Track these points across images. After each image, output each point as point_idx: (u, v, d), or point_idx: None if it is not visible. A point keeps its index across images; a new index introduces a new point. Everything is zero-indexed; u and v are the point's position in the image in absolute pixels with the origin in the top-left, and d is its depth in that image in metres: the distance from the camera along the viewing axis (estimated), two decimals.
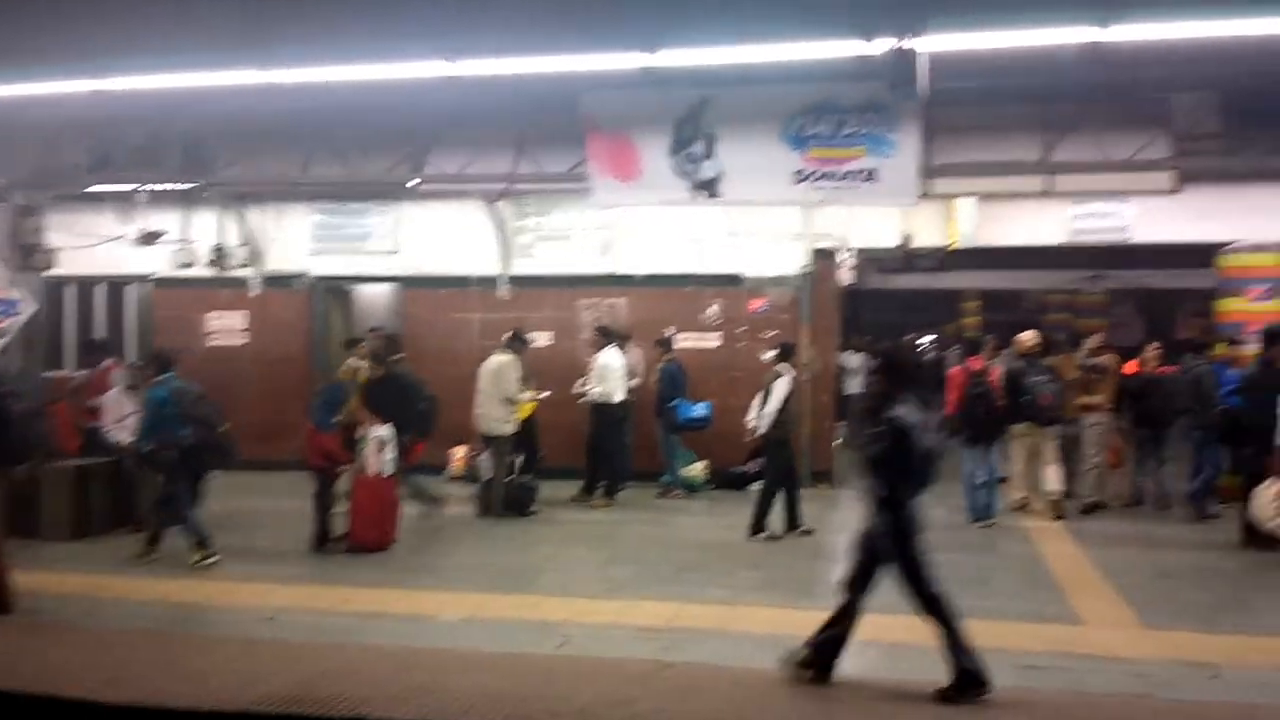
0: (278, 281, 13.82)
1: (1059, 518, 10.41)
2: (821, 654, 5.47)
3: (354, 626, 6.86)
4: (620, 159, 11.14)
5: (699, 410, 11.77)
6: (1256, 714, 5.19)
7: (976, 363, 10.50)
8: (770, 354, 12.29)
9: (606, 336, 11.49)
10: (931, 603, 5.34)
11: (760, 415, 9.70)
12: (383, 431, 9.46)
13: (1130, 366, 11.21)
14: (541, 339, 12.49)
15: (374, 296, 14.91)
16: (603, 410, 11.22)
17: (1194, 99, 11.14)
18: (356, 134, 12.19)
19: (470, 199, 12.76)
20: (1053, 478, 10.58)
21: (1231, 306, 11.82)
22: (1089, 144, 11.03)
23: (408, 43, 9.00)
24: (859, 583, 5.54)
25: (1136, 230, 11.87)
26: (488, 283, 13.14)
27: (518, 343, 11.11)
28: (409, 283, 13.49)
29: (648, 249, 12.81)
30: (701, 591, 7.60)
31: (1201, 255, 12.67)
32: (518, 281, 13.09)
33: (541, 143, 12.02)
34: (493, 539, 9.65)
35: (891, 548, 5.41)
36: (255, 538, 9.56)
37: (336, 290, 14.31)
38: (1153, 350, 11.09)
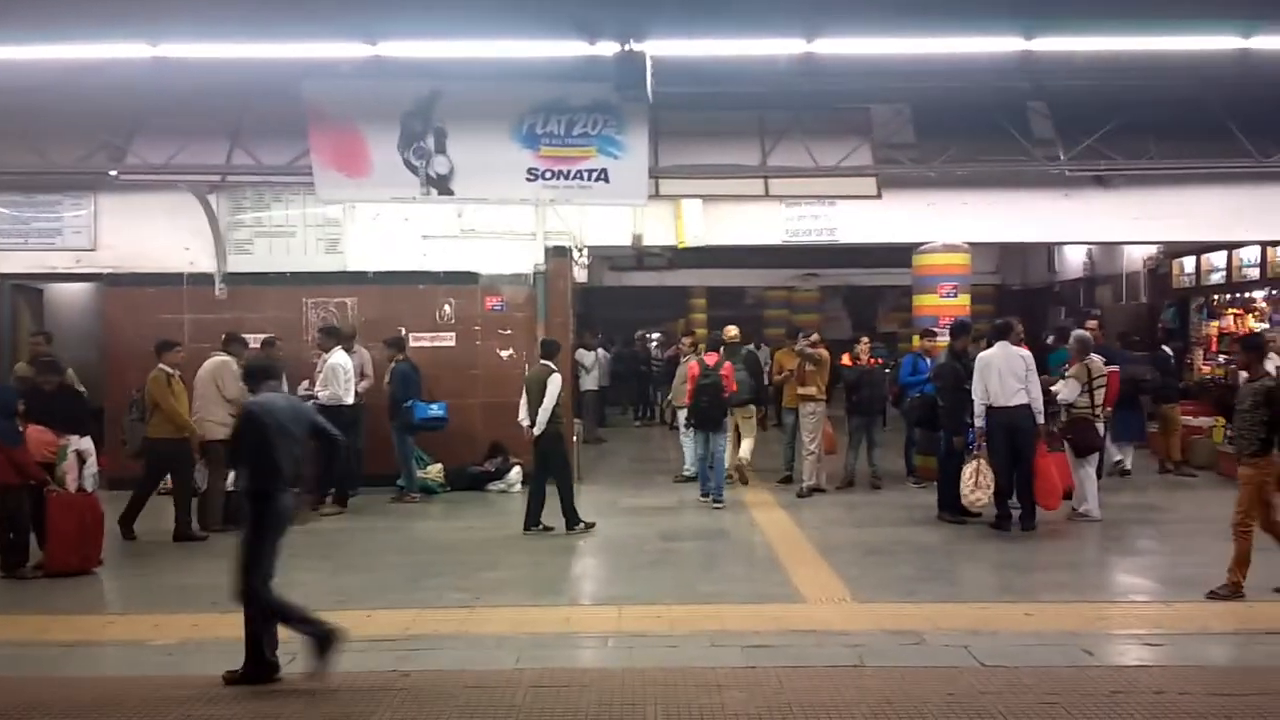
0: None
1: (744, 482, 11.88)
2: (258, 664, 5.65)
3: (54, 658, 6.24)
4: (346, 152, 10.72)
5: (435, 410, 11.56)
6: (955, 674, 5.68)
7: (711, 357, 11.12)
8: (508, 352, 12.39)
9: (333, 337, 11.05)
10: (253, 597, 5.58)
11: (539, 413, 9.57)
12: (83, 444, 8.66)
13: (844, 359, 12.06)
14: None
15: (69, 297, 13.62)
16: (331, 414, 10.74)
17: (890, 111, 12.13)
18: (46, 118, 11.03)
19: (179, 191, 11.89)
20: (744, 450, 11.97)
21: (925, 302, 12.93)
22: (801, 150, 11.75)
23: (106, 21, 8.26)
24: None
25: (844, 231, 12.76)
26: (200, 281, 12.30)
27: (237, 345, 10.49)
28: (110, 281, 12.39)
29: (378, 246, 12.43)
30: (439, 597, 7.46)
31: (900, 255, 13.80)
32: (235, 279, 12.33)
33: (259, 133, 11.37)
34: (210, 554, 9.01)
35: (247, 533, 5.65)
36: None
37: (25, 290, 12.94)
38: (864, 344, 12.02)
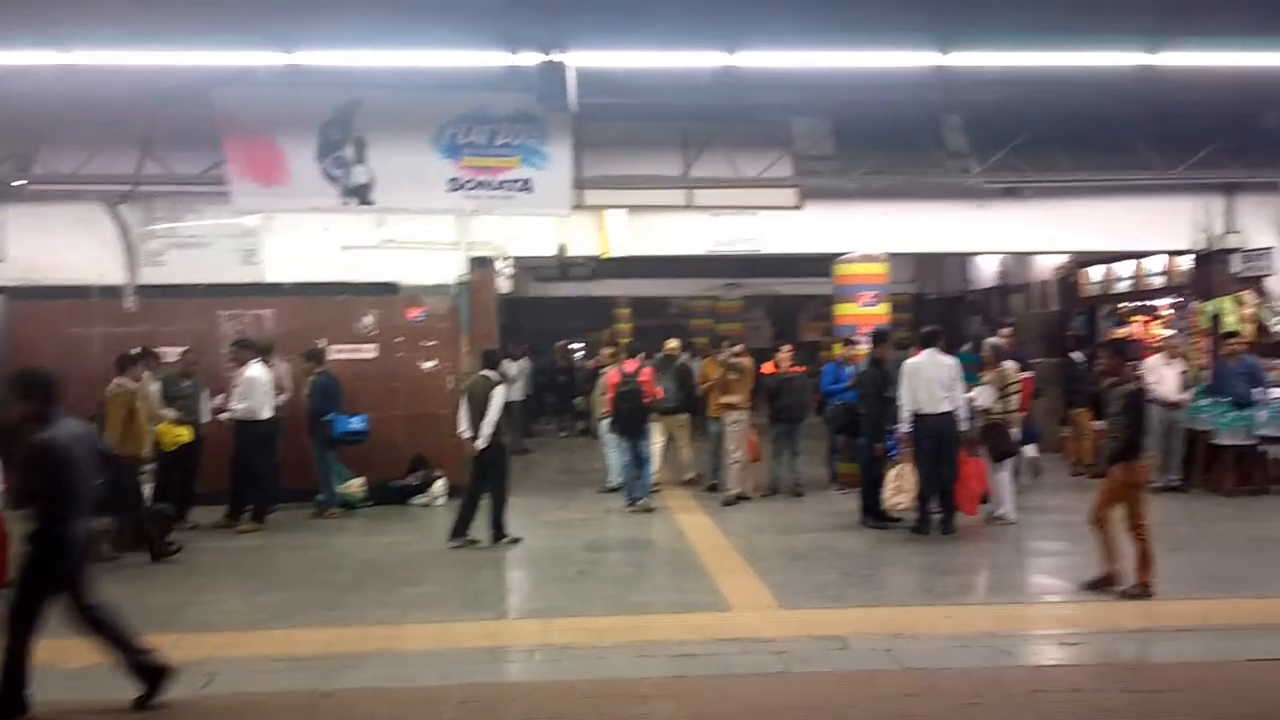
0: None
1: (711, 488, 12.28)
2: (145, 676, 5.49)
3: None
4: (262, 161, 10.54)
5: (355, 424, 11.37)
6: (879, 678, 5.76)
7: (630, 365, 11.35)
8: (431, 364, 12.27)
9: (248, 349, 10.80)
10: (18, 625, 5.30)
11: (483, 425, 9.44)
12: None
13: (766, 367, 12.20)
14: (176, 354, 11.46)
15: None
16: (248, 428, 10.54)
17: (810, 124, 12.32)
18: None
19: (88, 201, 11.54)
20: (685, 460, 12.78)
21: (846, 310, 13.13)
22: (723, 162, 11.87)
23: (13, 27, 8.00)
24: (87, 612, 5.54)
25: (766, 242, 12.89)
26: (111, 294, 11.94)
27: (151, 360, 10.21)
28: (16, 294, 11.93)
29: (296, 257, 12.19)
30: (361, 614, 7.33)
31: (821, 264, 14.00)
32: (147, 292, 11.99)
33: (172, 142, 11.15)
34: (125, 574, 8.73)
35: (29, 565, 5.38)
36: None
37: None
38: (786, 352, 12.17)
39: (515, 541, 9.57)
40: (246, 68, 9.22)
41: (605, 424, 12.25)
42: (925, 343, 9.89)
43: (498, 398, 9.49)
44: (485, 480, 9.57)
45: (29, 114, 10.66)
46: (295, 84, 9.80)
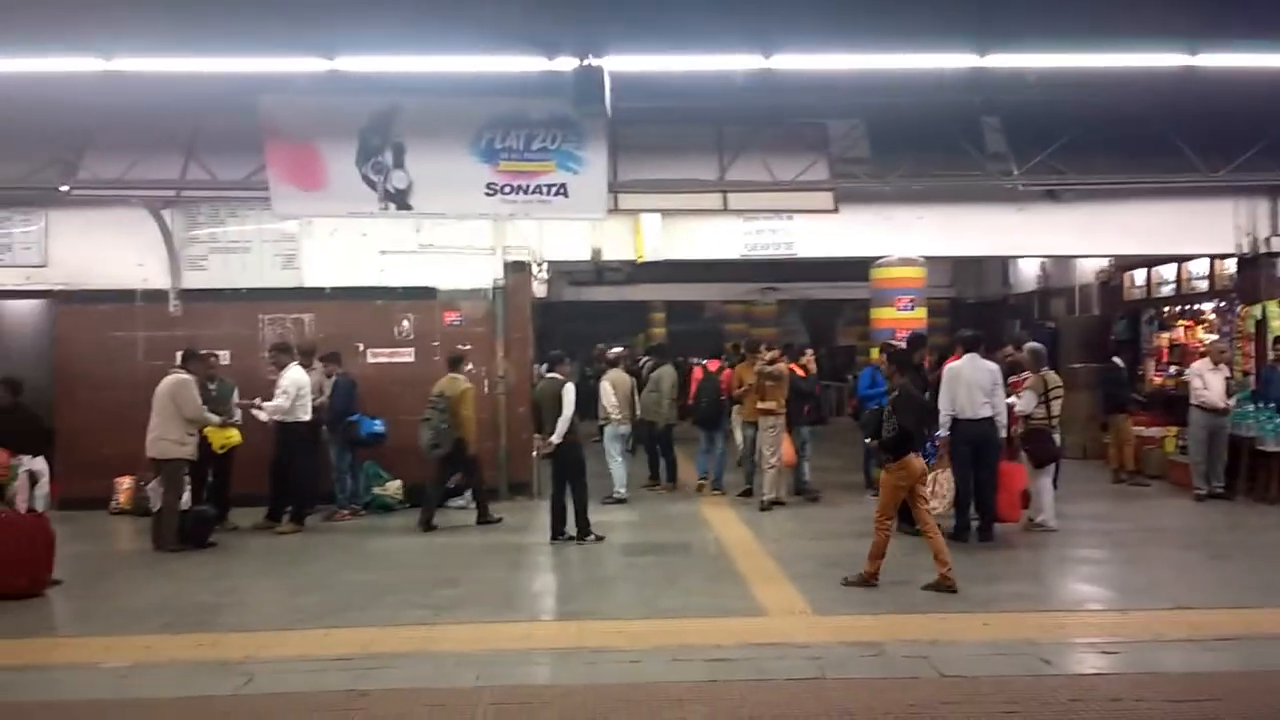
0: None
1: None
2: None
3: (1, 683, 6.08)
4: (303, 167, 10.65)
5: (378, 426, 11.49)
6: (915, 685, 5.72)
7: (713, 365, 12.52)
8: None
9: (285, 353, 10.90)
10: None
11: (558, 423, 9.82)
12: (36, 464, 8.49)
13: (797, 371, 12.18)
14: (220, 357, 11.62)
15: (20, 314, 13.36)
16: (288, 430, 10.65)
17: (846, 127, 12.26)
18: None
19: (133, 206, 11.73)
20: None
21: (883, 315, 13.06)
22: (758, 165, 11.85)
23: (57, 36, 8.16)
24: None
25: (802, 246, 12.85)
26: (154, 298, 12.12)
27: (195, 362, 10.33)
28: (62, 298, 12.17)
29: (335, 261, 12.34)
30: (397, 614, 7.39)
31: (857, 268, 13.93)
32: (190, 296, 12.17)
33: (215, 147, 11.29)
34: (166, 575, 8.88)
35: None
36: None
37: None
38: (810, 356, 12.24)
39: (600, 539, 9.86)
40: (288, 74, 9.33)
41: (609, 429, 12.30)
42: (966, 347, 9.80)
43: (569, 395, 9.85)
44: (564, 479, 9.91)
45: (74, 120, 10.87)
46: (335, 90, 9.91)
